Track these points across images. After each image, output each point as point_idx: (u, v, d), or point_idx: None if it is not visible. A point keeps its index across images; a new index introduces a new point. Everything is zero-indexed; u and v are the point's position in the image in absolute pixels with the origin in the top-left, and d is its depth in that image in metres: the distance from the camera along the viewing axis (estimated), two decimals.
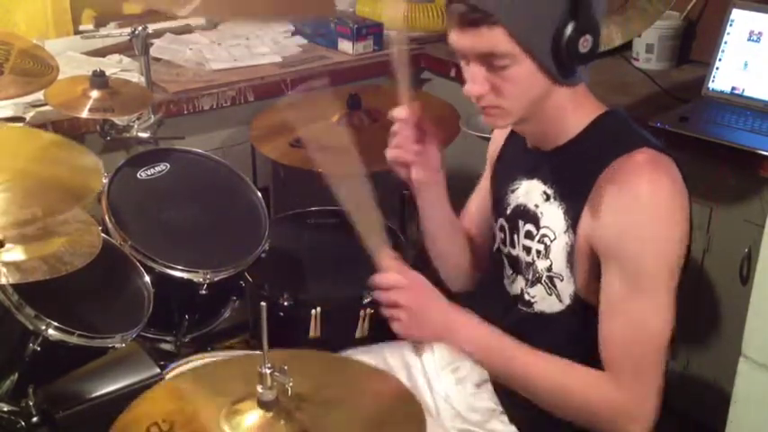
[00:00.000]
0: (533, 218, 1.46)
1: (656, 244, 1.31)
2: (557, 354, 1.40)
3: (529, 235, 1.47)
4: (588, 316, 1.40)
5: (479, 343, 1.41)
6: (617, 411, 1.34)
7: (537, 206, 1.45)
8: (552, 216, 1.42)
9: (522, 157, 1.51)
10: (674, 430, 1.57)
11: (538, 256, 1.45)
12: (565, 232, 1.39)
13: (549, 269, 1.43)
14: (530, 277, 1.48)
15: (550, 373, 1.37)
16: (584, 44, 1.32)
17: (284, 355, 1.22)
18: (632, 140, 1.36)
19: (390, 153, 1.51)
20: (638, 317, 1.32)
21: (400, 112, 1.48)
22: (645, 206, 1.30)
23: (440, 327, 1.40)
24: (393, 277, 1.40)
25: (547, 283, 1.44)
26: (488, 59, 1.32)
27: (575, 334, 1.44)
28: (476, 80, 1.34)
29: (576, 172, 1.39)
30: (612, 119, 1.42)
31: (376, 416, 1.24)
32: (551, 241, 1.42)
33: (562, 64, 1.32)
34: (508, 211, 1.52)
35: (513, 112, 1.37)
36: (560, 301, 1.43)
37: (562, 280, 1.42)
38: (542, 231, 1.44)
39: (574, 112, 1.40)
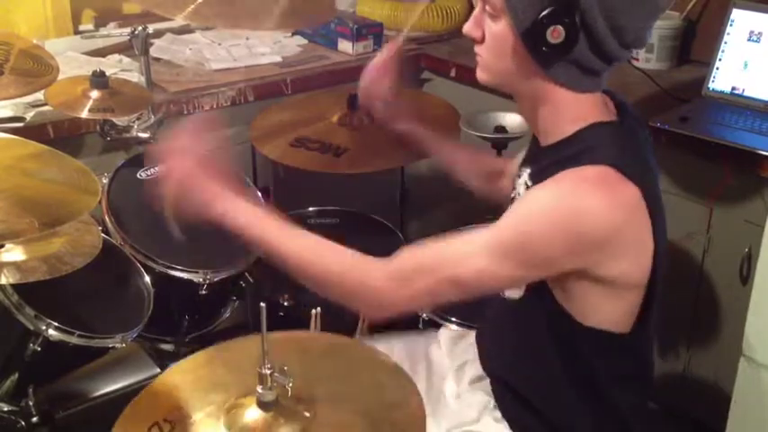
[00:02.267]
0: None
1: (536, 226, 1.30)
2: (524, 340, 1.45)
3: None
4: (547, 302, 1.39)
5: (238, 215, 1.49)
6: (372, 287, 1.38)
7: (520, 195, 1.47)
8: None
9: (529, 147, 1.54)
10: (674, 430, 1.57)
11: None
12: None
13: None
14: None
15: (310, 243, 1.47)
16: (554, 35, 1.28)
17: (283, 337, 1.22)
18: (600, 156, 1.32)
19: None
20: (463, 252, 1.34)
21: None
22: (558, 195, 1.29)
23: (204, 199, 1.47)
24: (165, 150, 1.50)
25: None
26: (485, 2, 1.35)
27: (537, 320, 1.43)
28: (472, 20, 1.39)
29: (545, 171, 1.37)
30: (598, 132, 1.38)
31: (376, 411, 1.24)
32: None
33: (531, 44, 1.31)
34: (511, 197, 1.53)
35: (489, 70, 1.40)
36: (519, 288, 1.44)
37: None
38: None
39: (568, 115, 1.38)
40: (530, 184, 1.44)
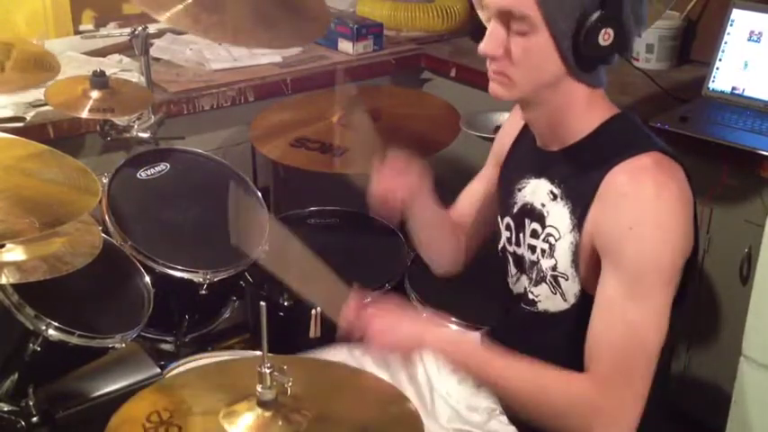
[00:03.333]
0: (539, 216, 1.45)
1: (655, 247, 1.30)
2: (558, 353, 1.40)
3: (534, 234, 1.47)
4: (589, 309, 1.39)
5: (448, 345, 1.41)
6: (597, 416, 1.30)
7: (543, 205, 1.45)
8: (558, 215, 1.42)
9: (530, 156, 1.50)
10: (674, 430, 1.57)
11: (543, 255, 1.44)
12: (570, 231, 1.39)
13: (554, 268, 1.43)
14: (533, 276, 1.48)
15: (528, 375, 1.35)
16: (605, 37, 1.30)
17: (282, 361, 1.22)
18: (641, 143, 1.36)
19: (376, 192, 1.59)
20: (631, 320, 1.29)
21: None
22: (648, 209, 1.30)
23: (410, 336, 1.40)
24: (356, 307, 1.43)
25: (551, 282, 1.44)
26: (510, 20, 1.31)
27: (577, 334, 1.43)
28: (491, 39, 1.34)
29: (583, 172, 1.38)
30: (623, 121, 1.42)
31: (373, 422, 1.25)
32: (556, 240, 1.41)
33: (578, 51, 1.31)
34: (515, 210, 1.51)
35: (518, 86, 1.35)
36: (565, 300, 1.43)
37: (567, 279, 1.41)
38: (547, 230, 1.43)
39: (585, 113, 1.39)
40: (557, 192, 1.42)
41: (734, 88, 2.36)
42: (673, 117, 2.26)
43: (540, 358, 1.46)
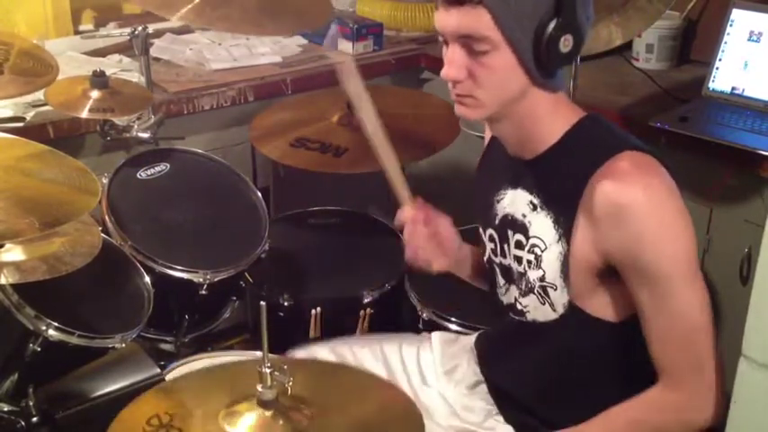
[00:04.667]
0: (522, 228, 1.44)
1: (669, 244, 1.31)
2: (547, 363, 1.44)
3: (519, 245, 1.46)
4: (582, 324, 1.40)
5: None
6: (685, 411, 1.36)
7: (524, 216, 1.44)
8: (541, 226, 1.41)
9: (504, 166, 1.49)
10: None
11: (529, 266, 1.44)
12: (557, 242, 1.38)
13: (542, 279, 1.42)
14: (522, 287, 1.47)
15: (626, 422, 1.40)
16: (565, 44, 1.31)
17: (283, 362, 1.23)
18: (611, 144, 1.35)
19: (409, 255, 1.56)
20: (677, 314, 1.33)
21: (405, 215, 1.55)
22: (647, 214, 1.30)
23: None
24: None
25: (540, 293, 1.43)
26: (469, 43, 1.31)
27: (567, 343, 1.44)
28: (453, 63, 1.34)
29: (561, 180, 1.38)
30: (590, 124, 1.41)
31: (375, 421, 1.25)
32: (542, 251, 1.41)
33: (541, 61, 1.31)
34: (496, 221, 1.50)
35: (486, 105, 1.35)
36: (554, 310, 1.43)
37: (555, 289, 1.41)
38: (532, 241, 1.42)
39: (551, 118, 1.39)
40: (536, 201, 1.41)
41: (734, 88, 2.36)
42: (673, 117, 2.26)
43: (531, 368, 1.48)
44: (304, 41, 2.92)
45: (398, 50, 2.89)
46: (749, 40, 2.34)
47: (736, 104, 2.34)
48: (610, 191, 1.30)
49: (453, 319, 2.00)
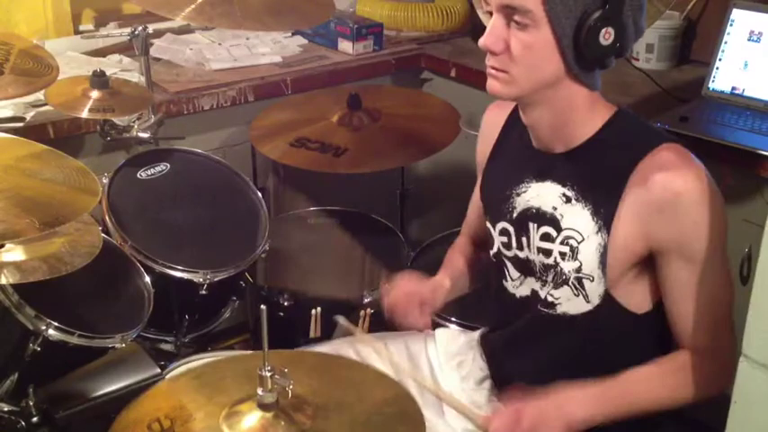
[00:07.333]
0: (551, 220, 1.45)
1: (712, 229, 1.35)
2: (572, 355, 1.46)
3: (547, 237, 1.46)
4: (611, 315, 1.42)
5: (588, 404, 1.40)
6: (710, 377, 1.40)
7: (555, 208, 1.44)
8: (577, 218, 1.42)
9: (526, 158, 1.49)
10: (673, 430, 1.57)
11: (563, 258, 1.44)
12: (597, 233, 1.39)
13: (579, 270, 1.43)
14: (550, 279, 1.47)
15: (653, 387, 1.42)
16: (606, 36, 1.32)
17: (284, 357, 1.22)
18: (649, 137, 1.39)
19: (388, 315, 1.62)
20: (711, 293, 1.38)
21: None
22: (700, 201, 1.34)
23: (557, 420, 1.38)
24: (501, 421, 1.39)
25: (574, 284, 1.44)
26: (512, 15, 1.31)
27: (595, 334, 1.45)
28: (492, 33, 1.34)
29: (599, 173, 1.40)
30: (625, 118, 1.43)
31: (376, 418, 1.24)
32: (579, 243, 1.42)
33: (579, 48, 1.32)
34: (514, 215, 1.51)
35: (517, 83, 1.35)
36: (588, 301, 1.44)
37: (592, 280, 1.42)
38: (566, 233, 1.43)
39: (588, 113, 1.41)
40: (570, 194, 1.42)
41: (734, 88, 2.36)
42: (673, 117, 2.26)
43: (552, 360, 1.48)
44: (304, 41, 2.92)
45: (398, 50, 2.89)
46: (749, 40, 2.34)
47: (736, 104, 2.34)
48: (665, 180, 1.34)
49: (453, 319, 2.00)
